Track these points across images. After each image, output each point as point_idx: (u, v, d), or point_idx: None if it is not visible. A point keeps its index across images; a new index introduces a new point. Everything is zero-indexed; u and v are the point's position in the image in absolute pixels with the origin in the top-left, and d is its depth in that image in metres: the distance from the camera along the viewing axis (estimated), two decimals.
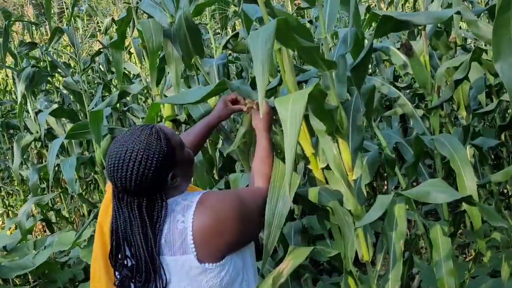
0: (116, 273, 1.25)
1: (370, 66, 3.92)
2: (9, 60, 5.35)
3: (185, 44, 1.80)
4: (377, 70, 3.29)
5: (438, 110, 1.94)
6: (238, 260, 1.25)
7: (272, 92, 1.87)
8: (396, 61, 1.98)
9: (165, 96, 1.96)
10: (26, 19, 4.56)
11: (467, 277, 1.92)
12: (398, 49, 2.11)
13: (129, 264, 1.22)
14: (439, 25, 2.31)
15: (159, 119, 2.23)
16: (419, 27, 1.95)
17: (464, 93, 2.33)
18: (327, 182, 1.46)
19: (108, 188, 1.36)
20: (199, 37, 1.82)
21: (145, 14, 1.98)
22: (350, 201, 1.39)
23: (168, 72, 2.50)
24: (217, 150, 2.18)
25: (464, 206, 1.62)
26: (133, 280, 1.21)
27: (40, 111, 3.39)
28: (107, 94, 4.08)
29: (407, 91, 2.77)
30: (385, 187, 3.64)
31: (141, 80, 2.66)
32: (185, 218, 1.18)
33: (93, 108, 2.24)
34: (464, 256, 3.19)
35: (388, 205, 1.51)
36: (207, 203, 1.20)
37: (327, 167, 1.43)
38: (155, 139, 1.18)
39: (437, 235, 1.63)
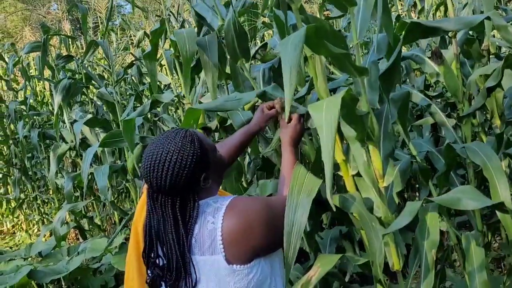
0: (148, 271, 1.28)
1: (400, 75, 3.88)
2: (47, 73, 5.56)
3: (232, 47, 1.86)
4: (408, 80, 3.26)
5: (470, 118, 1.91)
6: (266, 265, 1.26)
7: (300, 102, 1.89)
8: (427, 69, 1.96)
9: (200, 102, 2.00)
10: (63, 34, 4.74)
11: None
12: (429, 57, 2.09)
13: (161, 263, 1.25)
14: (471, 32, 2.28)
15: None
16: (450, 35, 1.93)
17: (498, 101, 2.27)
18: (357, 190, 1.46)
19: (144, 190, 1.41)
20: (246, 41, 1.88)
21: (176, 26, 2.04)
22: (381, 208, 1.38)
23: (198, 82, 2.57)
24: (246, 158, 2.20)
25: (498, 216, 1.58)
26: (164, 279, 1.24)
27: (75, 121, 3.50)
28: (138, 104, 4.18)
29: (438, 100, 2.73)
30: (417, 198, 3.58)
31: (172, 90, 2.73)
32: (215, 219, 1.21)
33: (125, 117, 2.31)
34: (500, 270, 3.09)
35: (419, 212, 1.50)
36: (237, 207, 1.23)
37: (358, 174, 1.43)
38: (189, 142, 1.23)
39: (470, 245, 1.59)
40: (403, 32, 1.27)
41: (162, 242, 1.23)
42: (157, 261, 1.26)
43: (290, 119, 1.50)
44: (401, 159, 1.88)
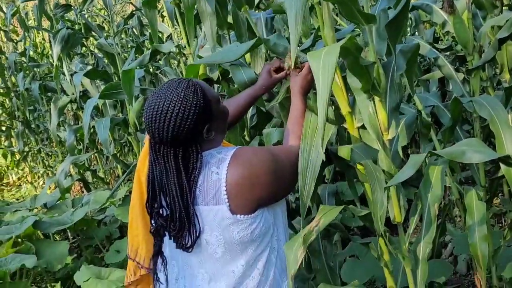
0: (152, 221, 1.29)
1: (409, 27, 3.77)
2: (45, 23, 5.43)
3: None
4: (416, 32, 3.16)
5: (479, 71, 1.85)
6: (269, 215, 1.26)
7: (305, 53, 1.83)
8: (437, 20, 1.88)
9: (199, 56, 1.94)
10: None
11: (502, 244, 1.88)
12: (440, 8, 2.01)
13: (164, 214, 1.25)
14: None
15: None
16: None
17: (509, 55, 2.20)
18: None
19: (146, 140, 1.39)
20: None
21: None
22: (384, 161, 1.36)
23: (200, 33, 2.49)
24: (249, 111, 2.17)
25: (502, 171, 1.56)
26: (167, 229, 1.25)
27: (75, 73, 3.45)
28: (139, 56, 4.10)
29: (447, 53, 2.65)
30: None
31: (172, 40, 2.65)
32: (219, 170, 1.20)
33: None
34: (500, 225, 3.12)
35: (424, 166, 1.48)
36: (241, 157, 1.22)
37: (363, 127, 1.40)
38: (191, 92, 1.20)
39: (472, 200, 1.58)
40: None
41: (165, 193, 1.22)
42: (160, 211, 1.26)
43: (299, 69, 1.45)
44: (407, 113, 1.84)
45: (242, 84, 1.73)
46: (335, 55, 1.02)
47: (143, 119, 1.24)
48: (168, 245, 1.30)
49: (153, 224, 1.28)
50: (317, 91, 1.01)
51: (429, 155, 1.18)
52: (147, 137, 1.37)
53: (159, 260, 1.31)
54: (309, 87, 1.45)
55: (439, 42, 3.06)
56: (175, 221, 1.21)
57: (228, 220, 1.19)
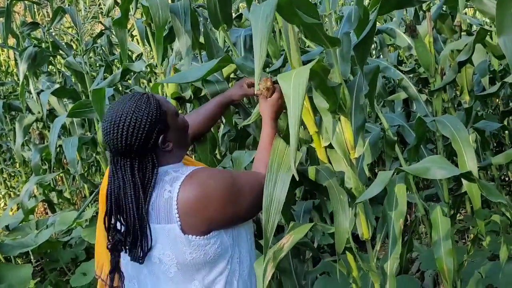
0: (109, 237, 1.28)
1: (374, 50, 3.90)
2: (11, 41, 5.32)
3: (214, 12, 1.82)
4: (381, 55, 3.27)
5: (441, 92, 1.94)
6: (226, 237, 1.25)
7: (275, 74, 1.86)
8: (400, 43, 1.97)
9: (176, 70, 1.96)
10: None
11: (466, 259, 1.94)
12: (404, 32, 2.10)
13: (121, 229, 1.25)
14: (444, 8, 2.30)
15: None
16: (424, 8, 1.94)
17: (468, 77, 2.32)
18: (329, 162, 1.47)
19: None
20: (229, 6, 1.85)
21: None
22: (352, 179, 1.39)
23: (171, 53, 2.51)
24: (219, 130, 2.18)
25: (465, 186, 1.63)
26: (124, 244, 1.24)
27: (42, 91, 3.39)
28: (109, 75, 4.07)
29: (411, 75, 2.76)
30: None
31: (143, 60, 2.66)
32: (172, 188, 1.20)
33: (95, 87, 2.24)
34: (464, 241, 3.21)
35: (388, 184, 1.53)
36: (196, 176, 1.22)
37: (330, 146, 1.43)
38: (144, 103, 1.23)
39: (437, 215, 1.64)
40: (379, 2, 1.26)
41: (122, 207, 1.22)
42: (118, 226, 1.26)
43: (269, 91, 1.46)
44: (373, 131, 1.90)
45: (214, 94, 1.76)
46: (305, 77, 1.05)
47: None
48: (131, 264, 1.29)
49: (110, 240, 1.28)
50: (288, 112, 1.03)
51: (396, 171, 1.22)
52: None
53: (117, 277, 1.31)
54: (280, 111, 1.46)
55: (403, 64, 3.18)
56: (130, 236, 1.21)
57: (179, 240, 1.19)
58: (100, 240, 1.43)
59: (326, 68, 1.21)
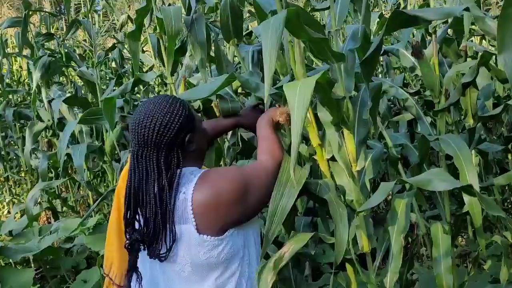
0: (127, 235, 1.31)
1: (381, 74, 3.95)
2: (25, 52, 5.44)
3: (227, 25, 1.89)
4: (388, 77, 3.32)
5: (444, 113, 1.97)
6: (238, 238, 1.29)
7: (280, 94, 1.91)
8: (406, 63, 2.01)
9: (188, 83, 2.01)
10: (45, 10, 4.65)
11: (466, 280, 1.94)
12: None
13: (139, 227, 1.28)
14: (450, 32, 2.35)
15: None
16: (430, 31, 1.99)
17: (472, 101, 2.35)
18: (332, 176, 1.50)
19: (128, 160, 1.42)
20: (241, 20, 1.92)
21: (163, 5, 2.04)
22: (353, 192, 1.42)
23: (181, 68, 2.57)
24: (226, 142, 2.22)
25: (466, 205, 1.63)
26: (142, 242, 1.26)
27: (53, 99, 3.45)
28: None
29: (416, 97, 2.80)
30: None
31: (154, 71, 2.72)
32: (186, 189, 1.24)
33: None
34: (465, 265, 3.19)
35: (391, 200, 1.55)
36: (208, 178, 1.27)
37: (332, 158, 1.47)
38: (178, 102, 1.32)
39: (438, 233, 1.65)
40: (386, 21, 1.30)
41: (143, 202, 1.25)
42: (136, 225, 1.29)
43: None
44: (376, 148, 1.93)
45: (226, 111, 1.81)
46: (310, 88, 1.09)
47: (129, 127, 1.32)
48: (140, 262, 1.31)
49: (128, 238, 1.30)
50: (291, 120, 1.07)
51: (398, 182, 1.25)
52: (129, 158, 1.40)
53: (134, 277, 1.31)
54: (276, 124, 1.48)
55: (408, 87, 3.22)
56: (151, 229, 1.23)
57: (194, 240, 1.22)
58: (111, 238, 1.47)
59: (331, 81, 1.25)
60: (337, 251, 1.36)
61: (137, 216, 1.28)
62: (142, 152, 1.27)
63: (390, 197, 2.16)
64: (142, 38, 3.59)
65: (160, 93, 3.04)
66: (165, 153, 1.26)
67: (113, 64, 4.83)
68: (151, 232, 1.23)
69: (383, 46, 1.46)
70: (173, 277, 1.27)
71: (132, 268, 1.31)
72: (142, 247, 1.28)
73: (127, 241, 1.30)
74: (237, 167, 1.45)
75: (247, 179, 1.29)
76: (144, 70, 3.95)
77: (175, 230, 1.23)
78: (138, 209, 1.27)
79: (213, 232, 1.23)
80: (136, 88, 4.58)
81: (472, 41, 3.65)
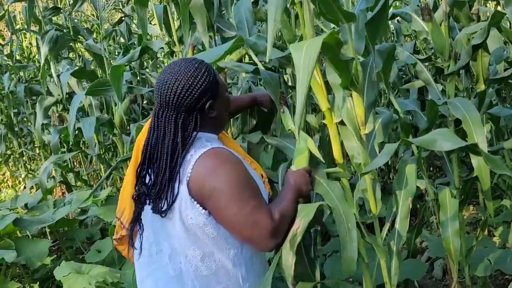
0: (136, 187, 1.35)
1: (391, 40, 3.89)
2: (34, 27, 5.43)
3: None
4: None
5: (454, 77, 1.94)
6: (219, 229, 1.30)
7: (288, 59, 1.88)
8: (415, 27, 1.97)
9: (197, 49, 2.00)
10: None
11: (475, 244, 1.94)
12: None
13: (148, 181, 1.32)
14: None
15: None
16: None
17: (484, 66, 2.30)
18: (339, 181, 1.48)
19: (148, 121, 1.45)
20: None
21: None
22: (361, 154, 1.42)
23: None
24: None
25: (475, 169, 1.62)
26: (148, 195, 1.31)
27: (62, 73, 3.47)
28: None
29: (426, 63, 2.76)
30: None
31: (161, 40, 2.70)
32: (195, 153, 1.27)
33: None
34: (475, 233, 3.20)
35: (398, 165, 1.55)
36: (221, 155, 1.29)
37: (341, 123, 1.46)
38: (205, 66, 1.32)
39: (445, 197, 1.65)
40: None
41: (156, 160, 1.29)
42: (147, 179, 1.33)
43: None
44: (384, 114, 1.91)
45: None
46: (317, 48, 1.07)
47: (154, 87, 1.34)
48: (145, 215, 1.36)
49: (136, 190, 1.35)
50: (297, 79, 1.06)
51: (402, 143, 1.24)
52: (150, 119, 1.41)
53: (137, 227, 1.38)
54: (305, 187, 1.40)
55: (419, 54, 3.17)
56: (157, 185, 1.27)
57: (185, 201, 1.26)
58: (127, 187, 1.50)
59: (339, 41, 1.23)
60: (345, 268, 1.33)
61: (149, 171, 1.32)
62: (163, 112, 1.29)
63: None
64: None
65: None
66: (184, 116, 1.28)
67: (122, 39, 4.80)
68: (157, 188, 1.27)
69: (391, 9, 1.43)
70: (170, 232, 1.31)
71: (136, 219, 1.37)
72: (147, 201, 1.33)
73: (136, 192, 1.35)
74: (248, 174, 1.34)
75: (246, 197, 1.25)
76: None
77: (177, 189, 1.26)
78: (151, 164, 1.31)
79: (199, 199, 1.26)
80: (144, 63, 4.57)
81: (486, 6, 3.55)
